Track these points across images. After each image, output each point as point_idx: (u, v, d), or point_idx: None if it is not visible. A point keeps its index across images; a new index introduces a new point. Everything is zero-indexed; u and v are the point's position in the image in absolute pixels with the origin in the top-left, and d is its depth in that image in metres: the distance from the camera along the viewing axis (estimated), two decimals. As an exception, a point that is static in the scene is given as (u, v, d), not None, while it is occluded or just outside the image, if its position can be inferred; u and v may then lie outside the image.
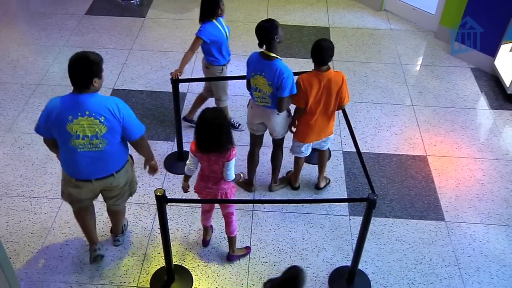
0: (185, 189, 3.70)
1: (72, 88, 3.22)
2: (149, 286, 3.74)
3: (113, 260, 3.90)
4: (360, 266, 3.72)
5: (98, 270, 3.82)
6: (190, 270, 3.85)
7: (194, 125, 4.74)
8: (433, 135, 5.13)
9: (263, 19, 3.81)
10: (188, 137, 4.95)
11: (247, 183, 4.48)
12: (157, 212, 3.33)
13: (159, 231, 3.55)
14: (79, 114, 3.11)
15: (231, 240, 3.85)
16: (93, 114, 3.11)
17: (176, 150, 4.72)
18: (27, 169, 4.60)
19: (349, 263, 3.78)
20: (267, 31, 3.67)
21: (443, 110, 5.44)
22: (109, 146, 3.23)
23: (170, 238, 3.52)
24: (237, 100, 5.43)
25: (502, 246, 4.10)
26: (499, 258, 4.00)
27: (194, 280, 3.79)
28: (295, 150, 4.21)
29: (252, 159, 4.37)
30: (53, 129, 3.20)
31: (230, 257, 3.91)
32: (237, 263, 3.90)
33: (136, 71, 5.84)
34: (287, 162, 4.65)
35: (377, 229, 4.15)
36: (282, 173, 4.56)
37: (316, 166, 4.72)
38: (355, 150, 3.83)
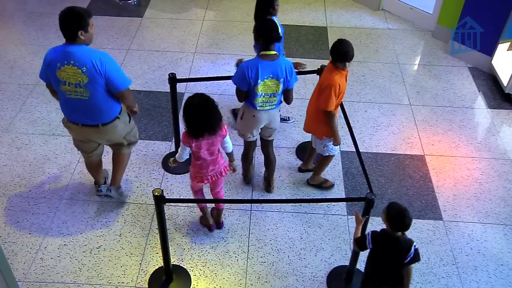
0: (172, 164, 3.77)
1: None
2: (147, 286, 3.74)
3: (111, 260, 3.90)
4: (358, 266, 3.72)
5: (96, 270, 3.82)
6: (189, 270, 3.85)
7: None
8: (431, 134, 5.13)
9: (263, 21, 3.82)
10: (186, 137, 4.95)
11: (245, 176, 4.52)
12: (155, 212, 3.33)
13: (157, 231, 3.55)
14: (66, 62, 3.46)
15: (220, 212, 4.08)
16: (77, 64, 3.44)
17: (174, 150, 4.71)
18: (24, 170, 4.59)
19: (347, 263, 3.79)
20: (267, 31, 3.67)
21: (441, 110, 5.44)
22: (92, 97, 3.54)
23: (168, 238, 3.52)
24: (235, 100, 5.40)
25: (500, 245, 4.10)
26: (497, 257, 4.01)
27: (192, 280, 3.78)
28: (330, 148, 4.18)
29: (248, 159, 4.38)
30: (49, 74, 3.58)
31: (220, 225, 4.13)
32: (236, 263, 3.90)
33: (133, 71, 5.83)
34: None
35: (375, 228, 4.14)
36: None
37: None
38: (353, 150, 3.84)
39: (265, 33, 3.68)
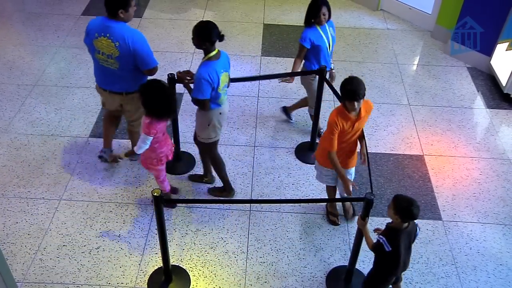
0: (118, 158, 4.18)
1: None
2: (146, 286, 3.74)
3: (110, 260, 3.89)
4: (357, 266, 3.72)
5: (95, 271, 3.82)
6: (188, 271, 3.84)
7: (291, 119, 5.13)
8: (430, 134, 5.14)
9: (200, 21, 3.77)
10: (185, 137, 4.95)
11: (226, 190, 4.42)
12: (154, 213, 3.33)
13: (156, 231, 3.55)
14: (102, 34, 3.87)
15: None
16: (111, 38, 3.84)
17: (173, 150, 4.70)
18: (23, 170, 4.59)
19: (346, 263, 3.79)
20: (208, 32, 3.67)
21: (439, 110, 5.45)
22: (121, 69, 3.96)
23: (168, 238, 3.52)
24: (234, 100, 5.42)
25: (499, 245, 4.11)
26: (496, 257, 4.01)
27: (191, 280, 3.78)
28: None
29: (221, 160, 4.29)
30: (87, 42, 4.03)
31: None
32: (235, 263, 3.90)
33: (132, 72, 5.83)
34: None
35: (372, 227, 4.15)
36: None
37: (313, 166, 4.74)
38: (352, 150, 3.82)
39: (208, 36, 3.64)
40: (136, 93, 3.87)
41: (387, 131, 5.15)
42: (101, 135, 4.96)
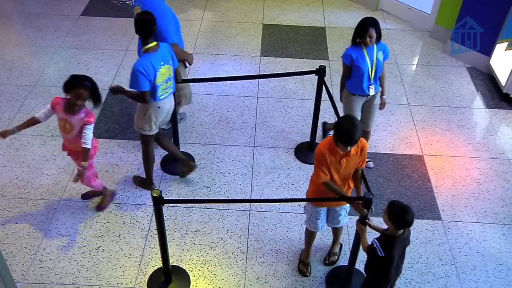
0: (7, 134, 3.80)
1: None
2: (146, 287, 3.74)
3: (110, 261, 3.89)
4: (357, 266, 3.72)
5: (95, 271, 3.82)
6: (188, 271, 3.84)
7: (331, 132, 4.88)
8: (429, 134, 5.14)
9: (141, 12, 3.85)
10: (185, 137, 4.95)
11: (147, 183, 4.48)
12: (153, 213, 3.33)
13: (156, 232, 3.55)
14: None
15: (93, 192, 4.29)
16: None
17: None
18: (23, 171, 4.59)
19: (346, 263, 3.79)
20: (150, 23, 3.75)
21: (439, 110, 5.45)
22: None
23: (167, 239, 3.52)
24: (233, 100, 5.42)
25: (498, 244, 4.11)
26: (496, 257, 4.02)
27: (191, 280, 3.78)
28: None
29: (152, 157, 4.35)
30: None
31: (99, 207, 4.26)
32: (235, 264, 3.90)
33: (132, 72, 5.83)
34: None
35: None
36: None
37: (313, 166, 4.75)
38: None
39: (145, 28, 3.74)
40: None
41: (386, 131, 5.15)
42: (100, 135, 4.96)
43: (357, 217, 3.37)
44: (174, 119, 4.45)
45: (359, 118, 4.33)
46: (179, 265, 3.88)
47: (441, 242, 4.11)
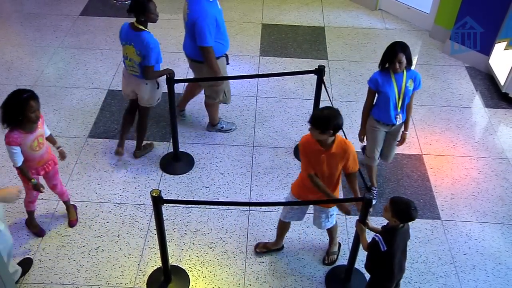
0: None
1: None
2: (145, 287, 3.74)
3: (109, 261, 3.89)
4: (356, 265, 3.72)
5: (94, 271, 3.82)
6: (187, 271, 3.84)
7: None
8: (429, 134, 5.14)
9: None
10: (184, 137, 4.95)
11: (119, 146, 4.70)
12: (153, 213, 3.33)
13: (155, 231, 3.55)
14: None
15: (69, 208, 4.16)
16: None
17: (172, 150, 4.71)
18: (22, 171, 4.58)
19: (345, 262, 3.79)
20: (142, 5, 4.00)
21: (438, 109, 5.45)
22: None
23: (167, 238, 3.51)
24: (232, 100, 5.41)
25: (497, 244, 4.11)
26: (495, 256, 4.02)
27: (191, 280, 3.78)
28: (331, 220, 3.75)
29: (126, 120, 4.65)
30: None
31: (71, 223, 4.14)
32: (234, 263, 3.90)
33: (131, 72, 5.83)
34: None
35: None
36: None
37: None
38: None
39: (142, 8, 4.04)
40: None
41: (385, 131, 5.15)
42: (100, 135, 4.96)
43: (357, 217, 3.37)
44: (173, 119, 4.45)
45: (380, 148, 4.15)
46: (179, 265, 3.88)
47: (440, 241, 4.12)
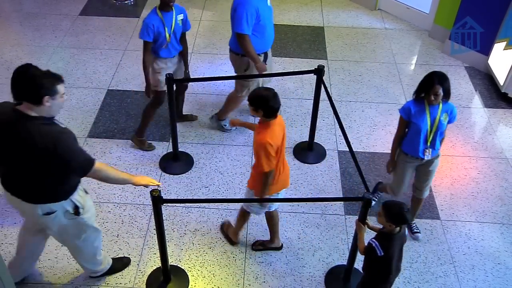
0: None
1: None
2: (145, 287, 3.74)
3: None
4: (356, 265, 3.72)
5: (94, 271, 3.82)
6: (186, 271, 3.85)
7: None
8: (428, 133, 5.14)
9: None
10: (184, 137, 4.95)
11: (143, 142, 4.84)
12: (152, 213, 3.33)
13: (154, 231, 3.55)
14: None
15: None
16: None
17: (171, 150, 4.71)
18: (21, 171, 4.58)
19: (345, 262, 3.79)
20: None
21: (437, 109, 5.45)
22: None
23: (166, 238, 3.51)
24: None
25: (497, 244, 4.11)
26: (494, 256, 4.02)
27: (190, 280, 3.78)
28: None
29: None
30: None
31: None
32: (234, 263, 3.90)
33: (130, 72, 5.83)
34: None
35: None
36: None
37: (314, 166, 4.75)
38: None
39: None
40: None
41: (385, 131, 5.15)
42: (100, 135, 4.96)
43: (356, 216, 3.37)
44: (173, 119, 4.45)
45: (407, 182, 3.87)
46: (178, 265, 3.88)
47: (439, 241, 4.12)
